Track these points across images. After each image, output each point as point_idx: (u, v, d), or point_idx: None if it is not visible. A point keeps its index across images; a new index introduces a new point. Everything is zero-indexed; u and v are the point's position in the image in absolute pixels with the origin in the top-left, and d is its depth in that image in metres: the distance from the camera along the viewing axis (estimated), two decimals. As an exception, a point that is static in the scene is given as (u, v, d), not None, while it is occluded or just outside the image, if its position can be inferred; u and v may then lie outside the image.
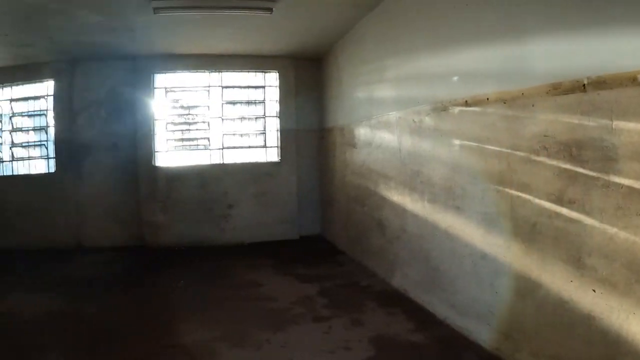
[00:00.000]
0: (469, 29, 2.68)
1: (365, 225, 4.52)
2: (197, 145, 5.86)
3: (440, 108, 2.99)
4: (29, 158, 6.08)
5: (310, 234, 5.87)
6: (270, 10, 3.98)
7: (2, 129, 6.11)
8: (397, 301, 3.45)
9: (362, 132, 4.52)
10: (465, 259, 2.77)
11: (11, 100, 6.11)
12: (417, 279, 3.44)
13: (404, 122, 3.54)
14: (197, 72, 5.85)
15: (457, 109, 2.81)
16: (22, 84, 6.11)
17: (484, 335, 2.59)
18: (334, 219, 5.56)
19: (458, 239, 2.83)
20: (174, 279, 4.44)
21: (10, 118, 6.10)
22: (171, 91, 5.83)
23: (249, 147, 5.88)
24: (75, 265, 5.19)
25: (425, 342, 2.75)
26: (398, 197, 3.71)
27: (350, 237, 5.01)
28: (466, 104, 2.69)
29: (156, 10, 3.92)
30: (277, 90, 5.90)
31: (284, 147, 5.87)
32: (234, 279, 4.33)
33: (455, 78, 2.85)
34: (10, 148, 6.11)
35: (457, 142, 2.83)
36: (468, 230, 2.73)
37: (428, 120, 3.17)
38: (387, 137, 3.91)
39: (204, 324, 3.22)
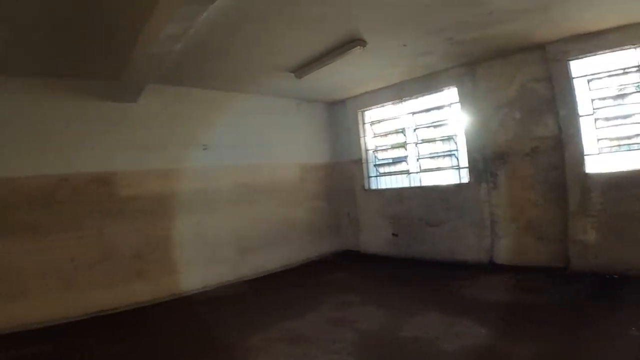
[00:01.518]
0: None
1: None
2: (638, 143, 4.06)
3: None
4: (438, 169, 6.13)
5: None
6: None
7: (407, 142, 6.48)
8: None
9: None
10: None
11: (413, 113, 6.35)
12: None
13: None
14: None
15: None
16: (422, 95, 6.22)
17: None
18: None
19: None
20: (627, 320, 3.20)
21: (415, 130, 6.35)
22: (595, 78, 4.23)
23: None
24: (488, 285, 4.65)
25: None
26: None
27: None
28: None
29: None
30: None
31: None
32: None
33: None
34: (417, 160, 6.38)
35: None
36: None
37: None
38: None
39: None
